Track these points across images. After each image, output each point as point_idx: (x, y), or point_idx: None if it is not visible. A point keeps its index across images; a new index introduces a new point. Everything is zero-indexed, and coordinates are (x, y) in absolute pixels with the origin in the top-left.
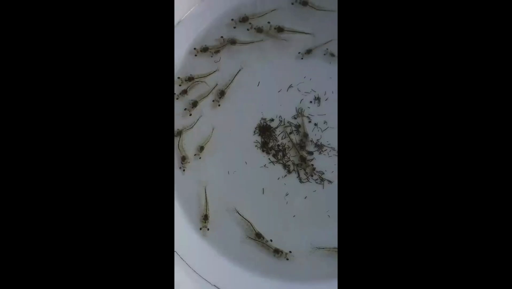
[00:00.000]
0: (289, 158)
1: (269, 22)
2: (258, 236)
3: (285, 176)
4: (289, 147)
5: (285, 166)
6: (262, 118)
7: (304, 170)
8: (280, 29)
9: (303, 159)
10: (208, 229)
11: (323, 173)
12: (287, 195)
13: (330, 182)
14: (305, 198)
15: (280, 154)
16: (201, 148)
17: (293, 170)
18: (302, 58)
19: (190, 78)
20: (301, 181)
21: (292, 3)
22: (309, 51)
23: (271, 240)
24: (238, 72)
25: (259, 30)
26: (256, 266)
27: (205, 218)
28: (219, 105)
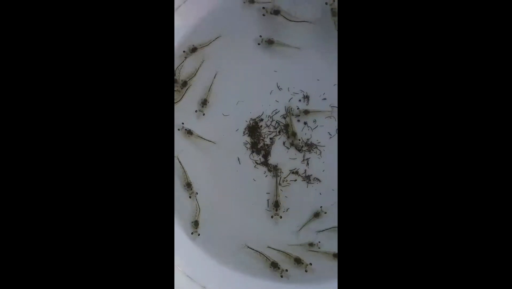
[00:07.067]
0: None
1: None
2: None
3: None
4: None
5: (269, 168)
6: (251, 119)
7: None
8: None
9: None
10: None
11: (310, 175)
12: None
13: (319, 180)
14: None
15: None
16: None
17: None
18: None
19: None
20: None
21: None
22: None
23: None
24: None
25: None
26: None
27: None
28: (203, 114)
